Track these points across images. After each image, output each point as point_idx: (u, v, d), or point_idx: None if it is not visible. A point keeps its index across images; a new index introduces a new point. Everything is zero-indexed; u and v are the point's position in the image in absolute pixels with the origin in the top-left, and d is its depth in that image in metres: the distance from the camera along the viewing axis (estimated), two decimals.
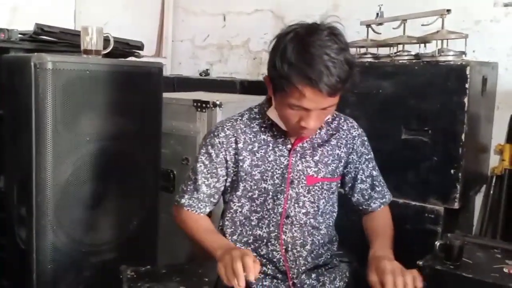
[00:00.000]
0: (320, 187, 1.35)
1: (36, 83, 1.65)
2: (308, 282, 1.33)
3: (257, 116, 1.35)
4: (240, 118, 1.36)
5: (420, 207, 1.91)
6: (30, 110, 1.66)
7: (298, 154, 1.33)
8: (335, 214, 1.43)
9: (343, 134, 1.38)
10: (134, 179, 1.93)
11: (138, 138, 1.92)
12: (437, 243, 1.54)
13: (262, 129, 1.34)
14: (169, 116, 2.18)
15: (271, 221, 1.34)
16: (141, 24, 3.52)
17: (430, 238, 1.82)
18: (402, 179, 1.96)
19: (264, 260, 1.34)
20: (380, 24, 2.21)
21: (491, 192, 2.30)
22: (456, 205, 1.86)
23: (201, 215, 1.38)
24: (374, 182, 1.42)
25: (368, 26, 2.24)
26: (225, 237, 1.38)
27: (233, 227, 1.38)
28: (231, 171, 1.35)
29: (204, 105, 2.17)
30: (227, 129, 1.34)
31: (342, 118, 1.41)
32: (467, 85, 1.82)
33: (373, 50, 2.27)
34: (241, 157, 1.32)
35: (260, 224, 1.35)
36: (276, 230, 1.33)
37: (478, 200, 2.39)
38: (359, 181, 1.41)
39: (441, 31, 1.98)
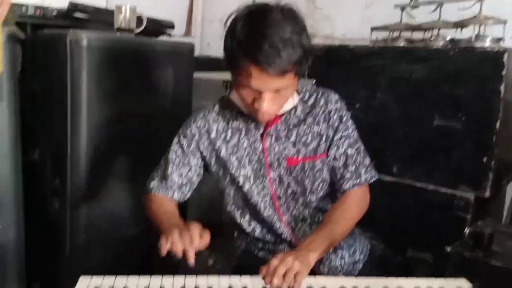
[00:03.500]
0: (301, 167, 1.30)
1: (72, 60, 1.68)
2: (325, 257, 1.24)
3: (229, 104, 1.33)
4: (211, 108, 1.35)
5: (451, 194, 1.88)
6: (65, 85, 1.70)
7: (273, 137, 1.29)
8: (329, 188, 1.35)
9: (320, 110, 1.30)
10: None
11: (169, 116, 1.94)
12: (467, 230, 1.53)
13: (234, 116, 1.31)
14: (198, 96, 2.19)
15: (266, 206, 1.32)
16: (171, 2, 3.52)
17: (459, 225, 1.79)
18: (433, 166, 1.93)
19: (279, 241, 1.34)
20: (415, 7, 2.16)
21: None
22: (487, 194, 1.82)
23: (167, 197, 1.34)
24: (348, 161, 1.30)
25: (403, 9, 2.19)
26: (236, 219, 1.37)
27: (240, 210, 1.38)
28: (211, 161, 1.34)
29: None
30: (199, 119, 1.33)
31: (320, 93, 1.32)
32: (503, 72, 1.77)
33: (406, 34, 2.22)
34: (216, 147, 1.32)
35: (256, 211, 1.33)
36: (275, 215, 1.32)
37: (510, 189, 2.34)
38: (332, 158, 1.31)
39: (479, 16, 1.93)
